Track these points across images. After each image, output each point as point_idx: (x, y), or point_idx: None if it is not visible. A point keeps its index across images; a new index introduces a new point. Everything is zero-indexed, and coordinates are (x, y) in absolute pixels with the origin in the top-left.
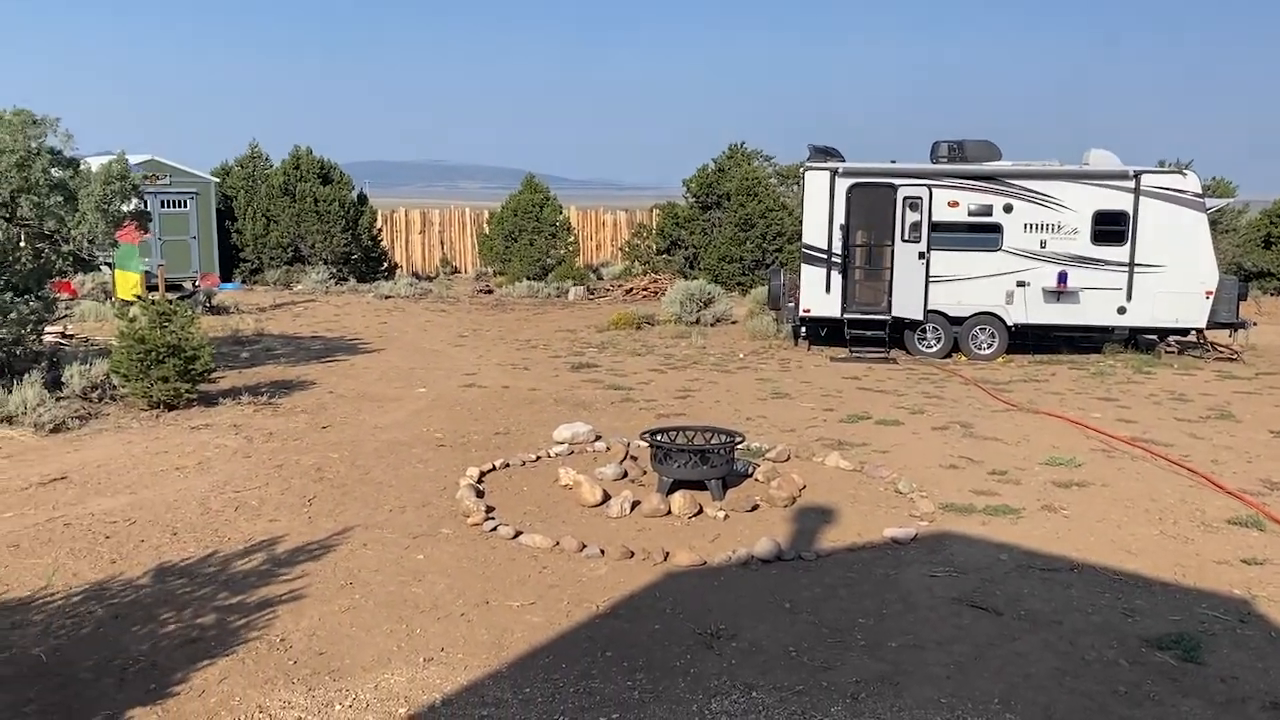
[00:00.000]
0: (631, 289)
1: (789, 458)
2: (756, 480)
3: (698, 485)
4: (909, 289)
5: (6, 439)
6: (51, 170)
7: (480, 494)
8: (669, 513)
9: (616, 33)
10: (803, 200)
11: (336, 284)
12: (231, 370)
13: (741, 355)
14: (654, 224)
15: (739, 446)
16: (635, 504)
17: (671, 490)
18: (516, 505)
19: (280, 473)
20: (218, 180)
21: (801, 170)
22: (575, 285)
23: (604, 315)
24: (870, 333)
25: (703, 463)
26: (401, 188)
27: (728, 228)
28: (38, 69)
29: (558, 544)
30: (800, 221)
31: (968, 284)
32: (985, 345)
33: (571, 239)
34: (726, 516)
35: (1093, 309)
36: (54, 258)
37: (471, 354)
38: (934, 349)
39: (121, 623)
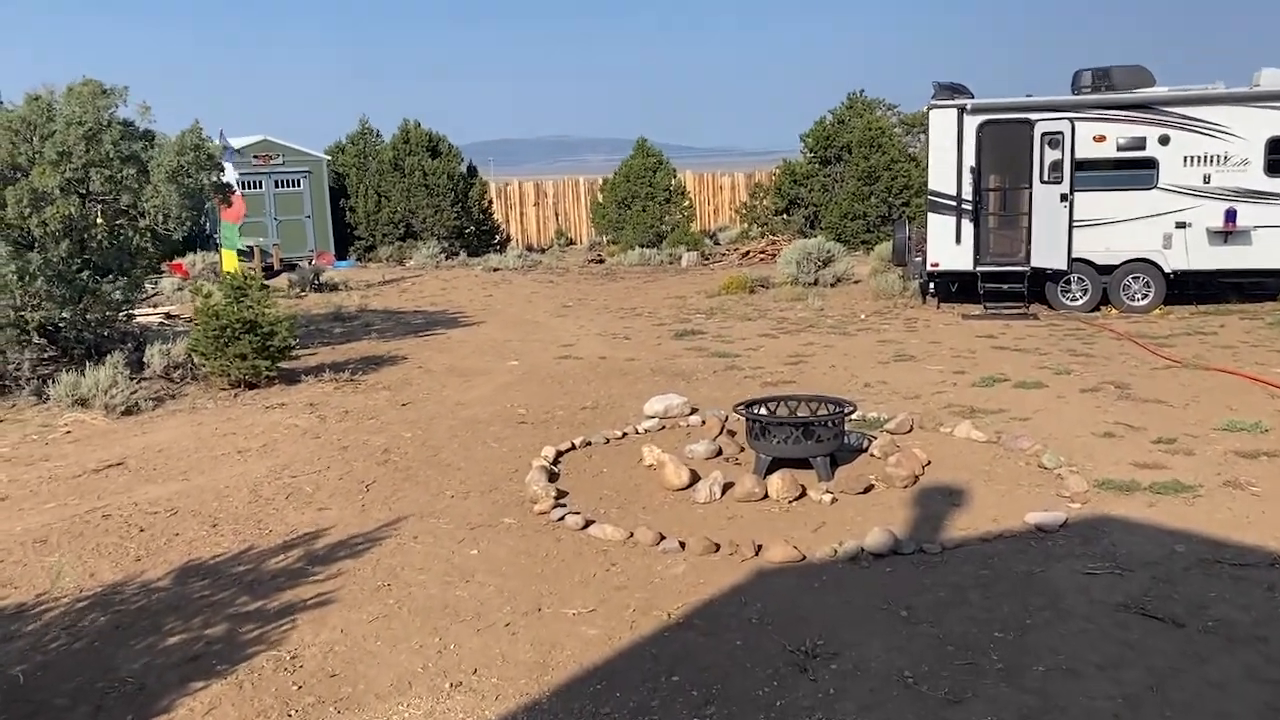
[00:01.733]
0: (748, 252)
1: (911, 428)
2: (872, 456)
3: (802, 464)
4: (1050, 236)
5: (78, 422)
6: (123, 143)
7: (553, 477)
8: (765, 496)
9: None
10: (927, 143)
11: (447, 258)
12: (325, 346)
13: (863, 316)
14: (771, 183)
15: (852, 417)
16: (727, 486)
17: (770, 470)
18: (592, 489)
19: (344, 455)
20: (329, 159)
21: (925, 110)
22: (689, 251)
23: (717, 281)
24: (1007, 286)
25: (806, 437)
26: (526, 165)
27: (849, 183)
28: (154, 52)
29: (631, 536)
30: (927, 170)
31: (1118, 227)
32: (1139, 296)
33: (686, 204)
34: (834, 500)
35: (1267, 250)
36: (132, 234)
37: (572, 324)
38: (1080, 302)
39: (121, 634)
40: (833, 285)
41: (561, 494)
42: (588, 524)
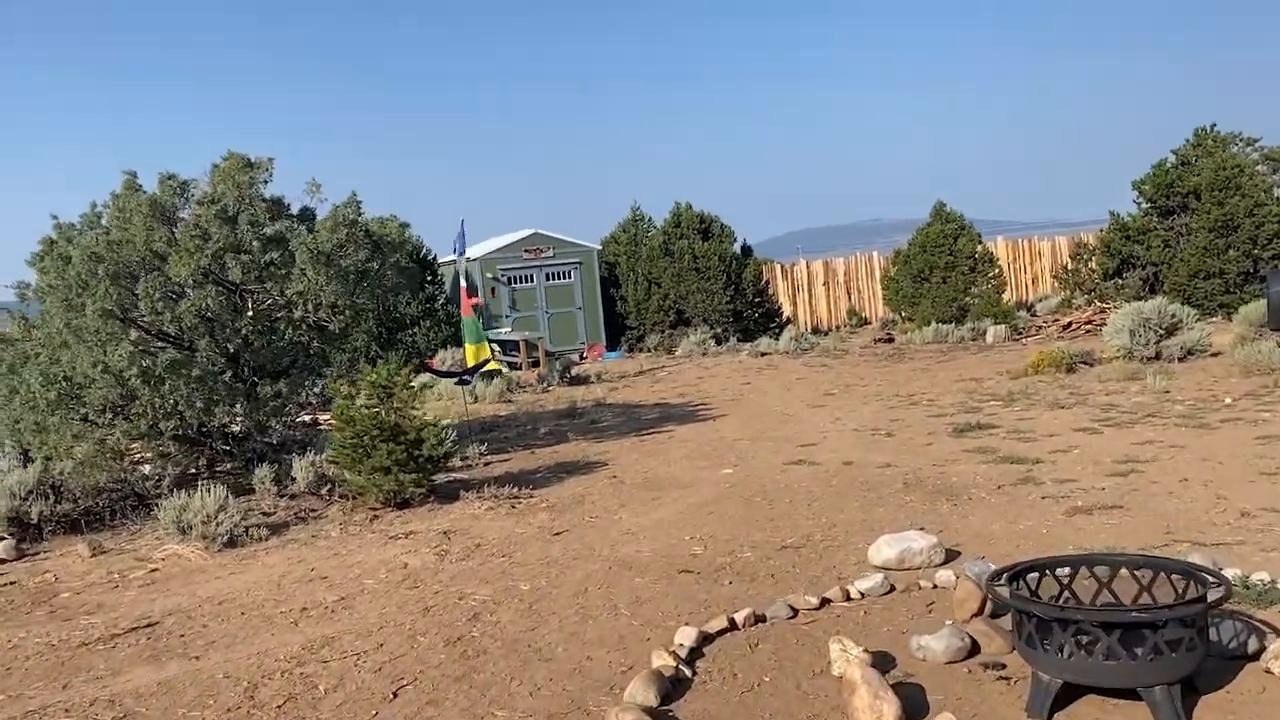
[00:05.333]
0: (1070, 323)
1: None
2: (1267, 672)
3: (1125, 693)
4: None
5: (173, 557)
6: (267, 224)
7: (674, 688)
8: None
9: (1058, 55)
10: None
11: (717, 344)
12: (524, 450)
13: (1228, 400)
14: (1099, 242)
15: (1222, 595)
16: None
17: (1061, 703)
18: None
19: (417, 624)
20: (600, 249)
21: None
22: (996, 324)
23: (1026, 358)
24: None
25: (1131, 647)
26: (836, 249)
27: (1199, 234)
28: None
29: None
30: None
31: None
32: None
33: (995, 272)
34: None
35: None
36: (284, 328)
37: (826, 417)
38: None
39: None
40: (1181, 359)
41: None
42: None
